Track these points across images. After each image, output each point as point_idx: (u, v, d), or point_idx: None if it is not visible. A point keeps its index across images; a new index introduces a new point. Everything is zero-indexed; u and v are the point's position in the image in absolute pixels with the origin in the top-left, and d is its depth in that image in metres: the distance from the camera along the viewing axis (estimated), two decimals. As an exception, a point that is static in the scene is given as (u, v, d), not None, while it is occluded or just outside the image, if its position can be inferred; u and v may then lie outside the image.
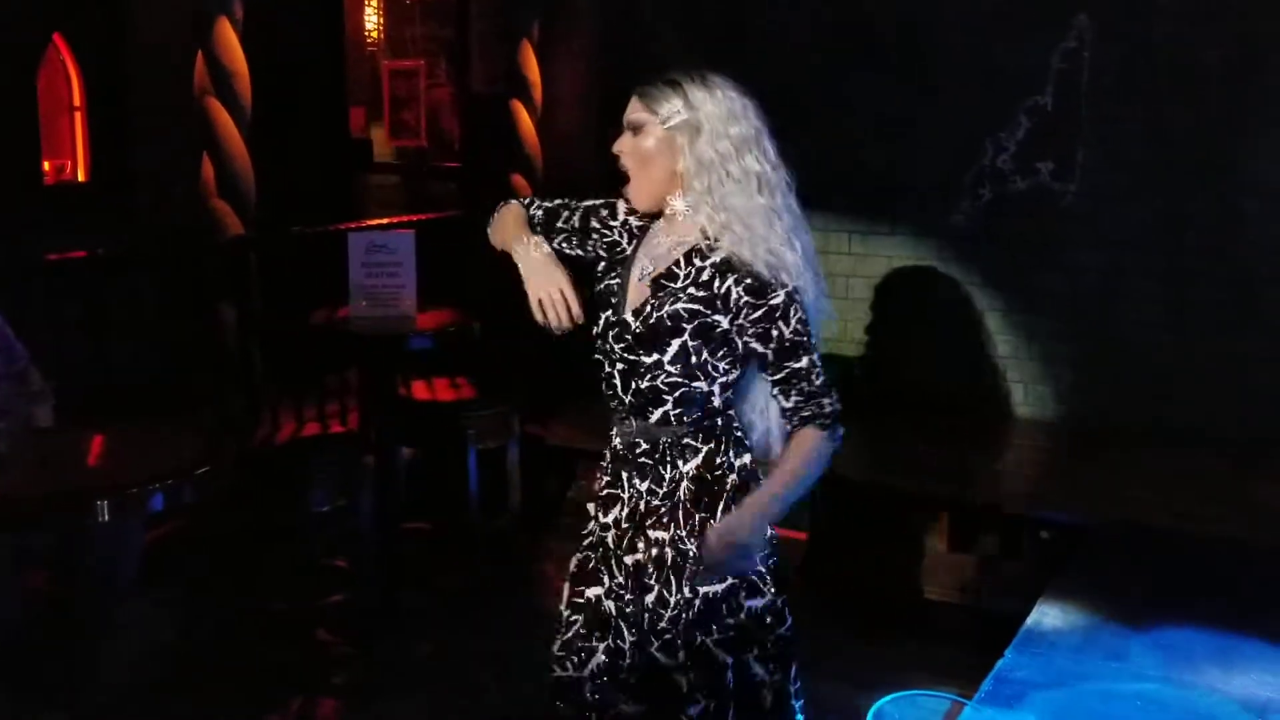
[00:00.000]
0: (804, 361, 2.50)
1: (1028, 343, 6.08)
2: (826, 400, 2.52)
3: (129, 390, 4.91)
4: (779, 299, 2.45)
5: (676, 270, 2.53)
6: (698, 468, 2.55)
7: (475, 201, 7.23)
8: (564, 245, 2.72)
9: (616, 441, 2.64)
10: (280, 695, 4.20)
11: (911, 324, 6.32)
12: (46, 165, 6.58)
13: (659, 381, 2.52)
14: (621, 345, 2.55)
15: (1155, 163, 5.71)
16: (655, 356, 2.51)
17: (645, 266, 2.59)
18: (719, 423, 2.57)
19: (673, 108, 2.51)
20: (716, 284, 2.47)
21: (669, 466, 2.56)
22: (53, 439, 3.63)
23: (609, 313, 2.60)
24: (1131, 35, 5.71)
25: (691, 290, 2.48)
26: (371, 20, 9.64)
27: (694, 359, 2.50)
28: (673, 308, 2.48)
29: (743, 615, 2.53)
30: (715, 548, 2.46)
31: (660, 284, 2.53)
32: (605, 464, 2.69)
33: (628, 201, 2.66)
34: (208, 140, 5.52)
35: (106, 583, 3.65)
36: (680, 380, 2.52)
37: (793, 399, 2.52)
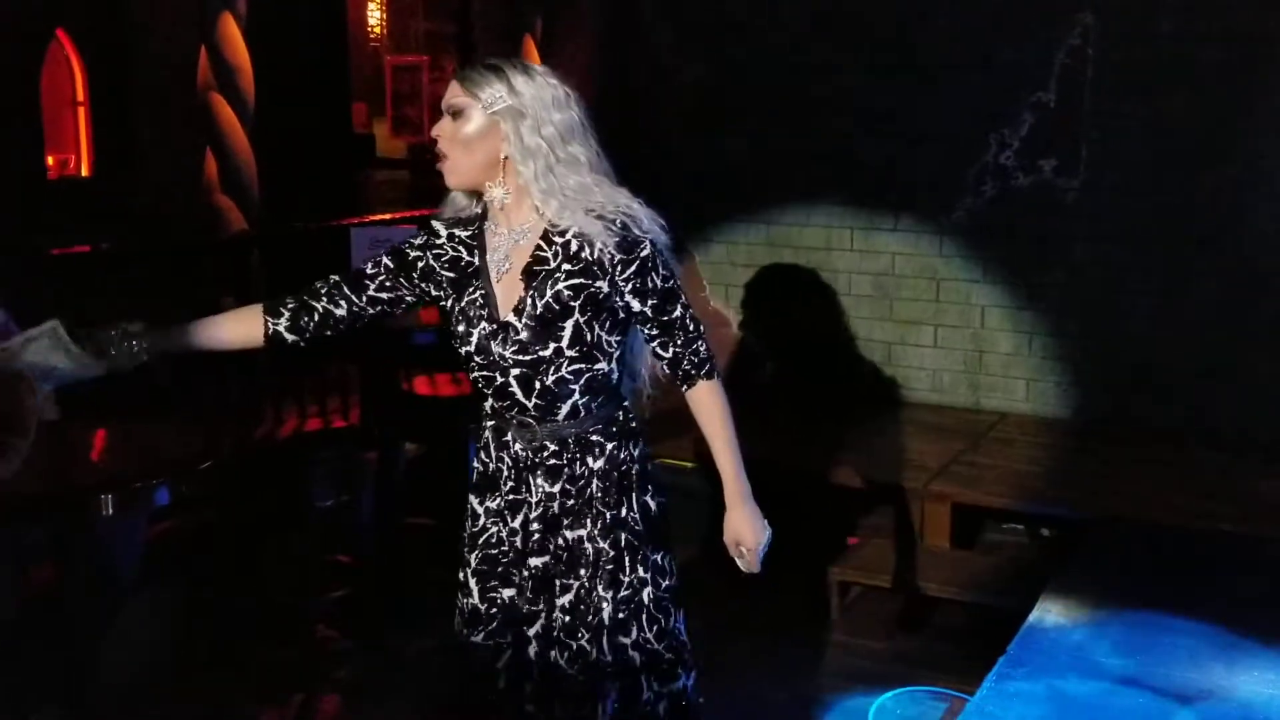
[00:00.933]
0: (678, 309, 2.52)
1: (1030, 339, 6.07)
2: (702, 345, 2.56)
3: (132, 385, 4.91)
4: (646, 249, 2.46)
5: (542, 253, 2.49)
6: (605, 464, 2.57)
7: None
8: (383, 292, 2.67)
9: (517, 448, 2.59)
10: (282, 691, 4.20)
11: (913, 320, 6.31)
12: (50, 160, 6.59)
13: (564, 371, 2.49)
14: (513, 348, 2.49)
15: (1158, 158, 5.70)
16: (553, 345, 2.47)
17: (501, 265, 2.54)
18: (618, 415, 2.59)
19: (495, 93, 2.46)
20: (586, 251, 2.45)
21: (578, 464, 2.56)
22: (56, 433, 3.63)
23: (483, 325, 2.53)
24: (1135, 31, 5.70)
25: (566, 266, 2.46)
26: (374, 16, 9.65)
27: (589, 336, 2.48)
28: (554, 289, 2.46)
29: (661, 623, 2.62)
30: (749, 558, 2.60)
31: (532, 272, 2.49)
32: (502, 472, 2.64)
33: (443, 222, 2.62)
34: (211, 136, 5.53)
35: (108, 577, 3.66)
36: (582, 365, 2.50)
37: (672, 349, 2.55)
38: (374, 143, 9.55)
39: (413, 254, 2.64)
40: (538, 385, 2.50)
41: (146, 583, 4.27)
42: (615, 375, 2.56)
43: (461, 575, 2.74)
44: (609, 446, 2.58)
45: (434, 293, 2.64)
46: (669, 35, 6.68)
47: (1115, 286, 5.85)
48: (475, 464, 2.71)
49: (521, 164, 2.45)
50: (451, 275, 2.60)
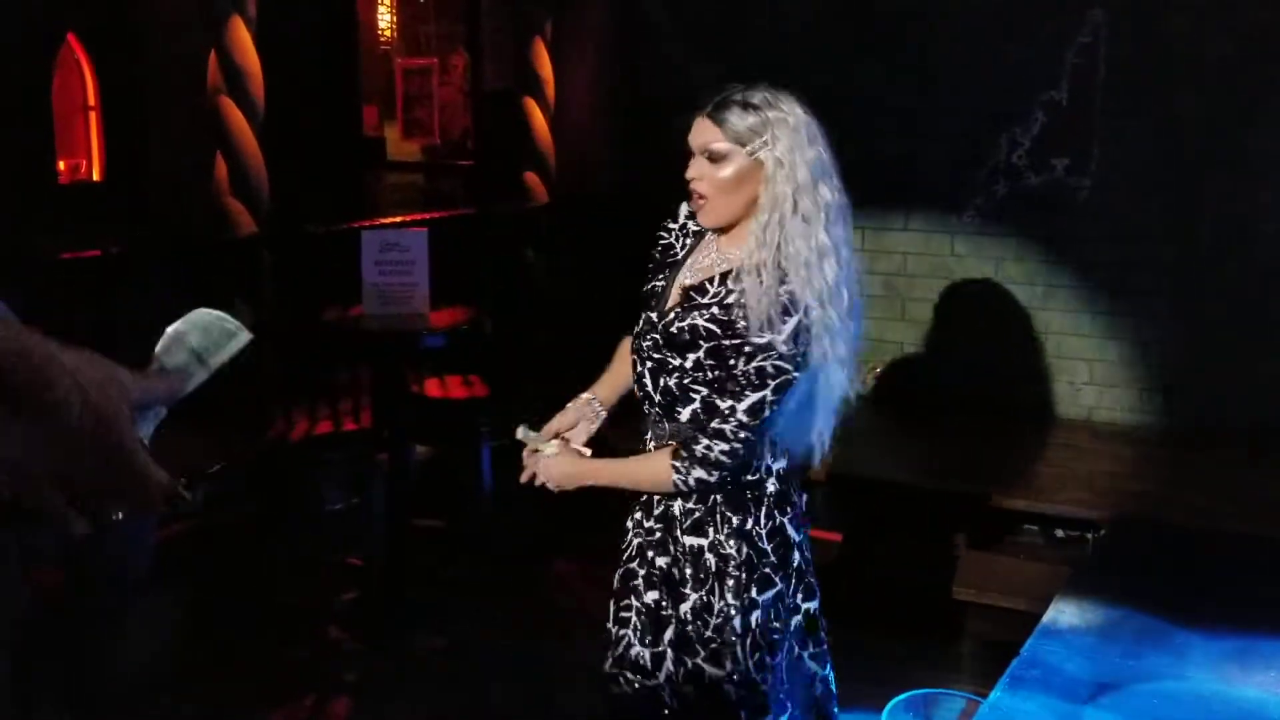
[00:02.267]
0: (727, 403, 2.41)
1: (1042, 338, 6.06)
2: (712, 453, 2.43)
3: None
4: (762, 339, 2.37)
5: (709, 286, 2.50)
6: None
7: (488, 199, 7.23)
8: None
9: (651, 444, 2.59)
10: (292, 692, 4.20)
11: (925, 320, 6.30)
12: (61, 164, 6.61)
13: (685, 380, 2.48)
14: (649, 344, 2.53)
15: (1169, 157, 5.68)
16: (678, 361, 2.48)
17: (686, 275, 2.58)
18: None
19: (756, 136, 2.46)
20: (737, 315, 2.41)
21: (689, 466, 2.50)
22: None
23: (649, 314, 2.58)
24: (1145, 29, 5.69)
25: (714, 310, 2.45)
26: (385, 18, 9.66)
27: (707, 375, 2.45)
28: (692, 322, 2.46)
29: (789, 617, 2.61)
30: (547, 466, 2.61)
31: (689, 295, 2.51)
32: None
33: (691, 209, 2.60)
34: (221, 139, 5.53)
35: (118, 580, 3.66)
36: (705, 390, 2.47)
37: (699, 419, 2.47)
38: (384, 145, 9.55)
39: (662, 236, 2.73)
40: (662, 382, 2.52)
41: (157, 584, 4.28)
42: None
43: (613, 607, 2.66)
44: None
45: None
46: (678, 35, 6.67)
47: (1127, 285, 5.83)
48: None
49: (766, 210, 2.44)
50: (660, 258, 2.69)
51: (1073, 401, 6.02)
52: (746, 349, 2.39)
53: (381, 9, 9.58)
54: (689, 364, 2.46)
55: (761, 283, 2.39)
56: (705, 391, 2.46)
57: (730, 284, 2.45)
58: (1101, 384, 5.96)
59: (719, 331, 2.43)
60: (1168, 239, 5.73)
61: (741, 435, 2.42)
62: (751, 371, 2.39)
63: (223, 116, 5.50)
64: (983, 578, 4.69)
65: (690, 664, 2.53)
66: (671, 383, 2.51)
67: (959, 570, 4.73)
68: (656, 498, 2.58)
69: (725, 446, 2.43)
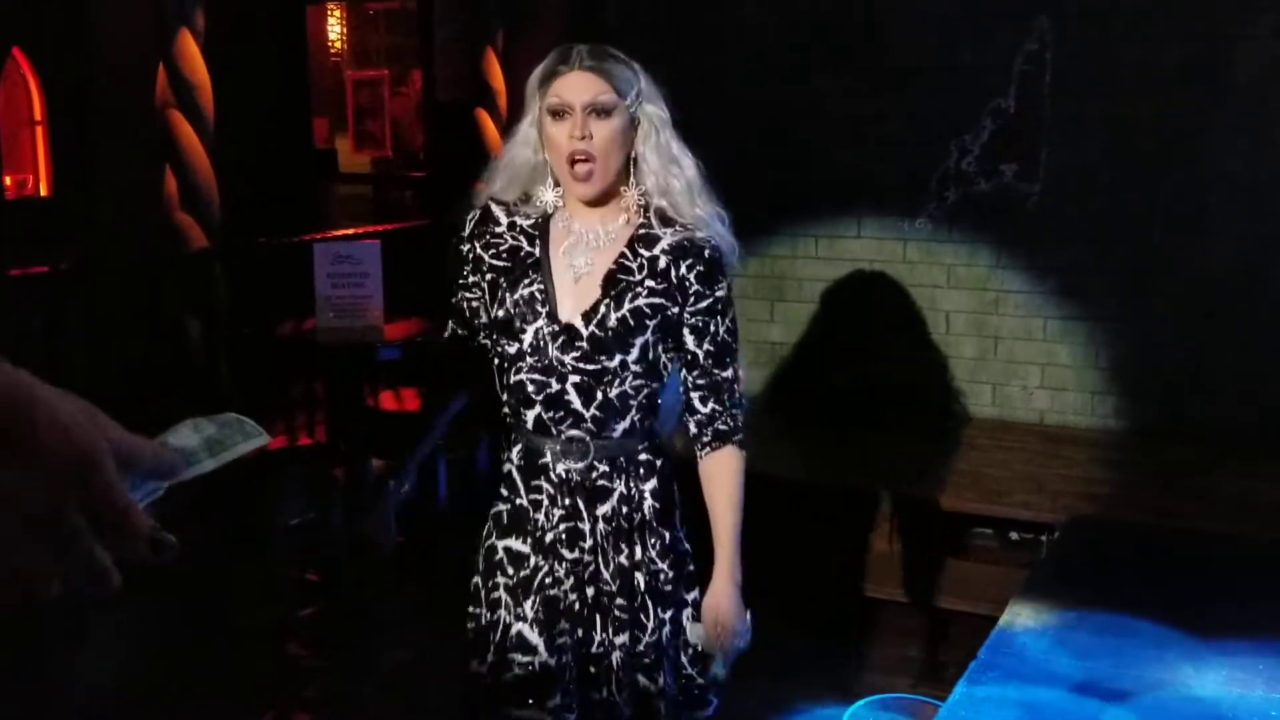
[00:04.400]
0: (730, 370, 2.40)
1: (994, 343, 6.10)
2: (739, 412, 2.41)
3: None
4: (723, 291, 2.37)
5: (627, 262, 2.35)
6: (657, 484, 2.42)
7: (440, 211, 7.21)
8: (477, 303, 2.46)
9: (561, 469, 2.37)
10: (252, 709, 4.17)
11: (877, 326, 6.33)
12: (8, 179, 6.53)
13: (627, 385, 2.33)
14: (575, 354, 2.32)
15: (1119, 162, 5.74)
16: (619, 358, 2.32)
17: (578, 263, 2.37)
18: (657, 432, 2.46)
19: (632, 85, 2.34)
20: (673, 271, 2.34)
21: (632, 483, 2.39)
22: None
23: (539, 323, 2.33)
24: (1092, 36, 5.75)
25: (650, 282, 2.34)
26: (335, 30, 9.62)
27: (651, 355, 2.34)
28: (633, 304, 2.32)
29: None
30: (715, 637, 2.40)
31: (614, 280, 2.34)
32: (541, 503, 2.40)
33: (502, 207, 2.42)
34: (170, 152, 5.48)
35: (75, 596, 3.62)
36: (644, 382, 2.35)
37: (710, 406, 2.41)
38: (336, 157, 9.51)
39: (478, 248, 2.43)
40: (599, 396, 2.33)
41: (116, 602, 4.23)
42: (662, 396, 2.42)
43: (511, 632, 2.42)
44: (658, 464, 2.43)
45: (472, 280, 2.45)
46: (634, 43, 6.67)
47: (1078, 289, 5.88)
48: (499, 504, 2.48)
49: (650, 163, 2.35)
50: (505, 264, 2.39)
51: (1025, 405, 6.07)
52: (716, 305, 2.37)
53: (331, 21, 9.54)
54: (632, 357, 2.31)
55: (685, 226, 2.36)
56: (648, 387, 2.36)
57: (644, 250, 2.36)
58: (1053, 387, 6.01)
59: (664, 303, 2.34)
60: (1118, 242, 5.78)
61: (742, 389, 2.45)
62: (730, 325, 2.40)
63: (172, 130, 5.46)
64: (936, 582, 4.72)
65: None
66: (613, 394, 2.33)
67: (915, 575, 4.75)
68: (589, 525, 2.40)
69: (742, 406, 2.43)
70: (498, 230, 2.42)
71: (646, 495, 2.40)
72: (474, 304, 2.45)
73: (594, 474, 2.37)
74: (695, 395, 2.41)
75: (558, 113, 2.31)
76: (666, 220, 2.37)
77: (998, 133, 5.95)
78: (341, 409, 5.43)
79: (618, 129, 2.31)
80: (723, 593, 2.39)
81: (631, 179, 2.37)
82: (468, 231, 2.45)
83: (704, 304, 2.36)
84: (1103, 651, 2.91)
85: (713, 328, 2.37)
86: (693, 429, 2.44)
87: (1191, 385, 5.69)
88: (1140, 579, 3.68)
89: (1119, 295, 5.81)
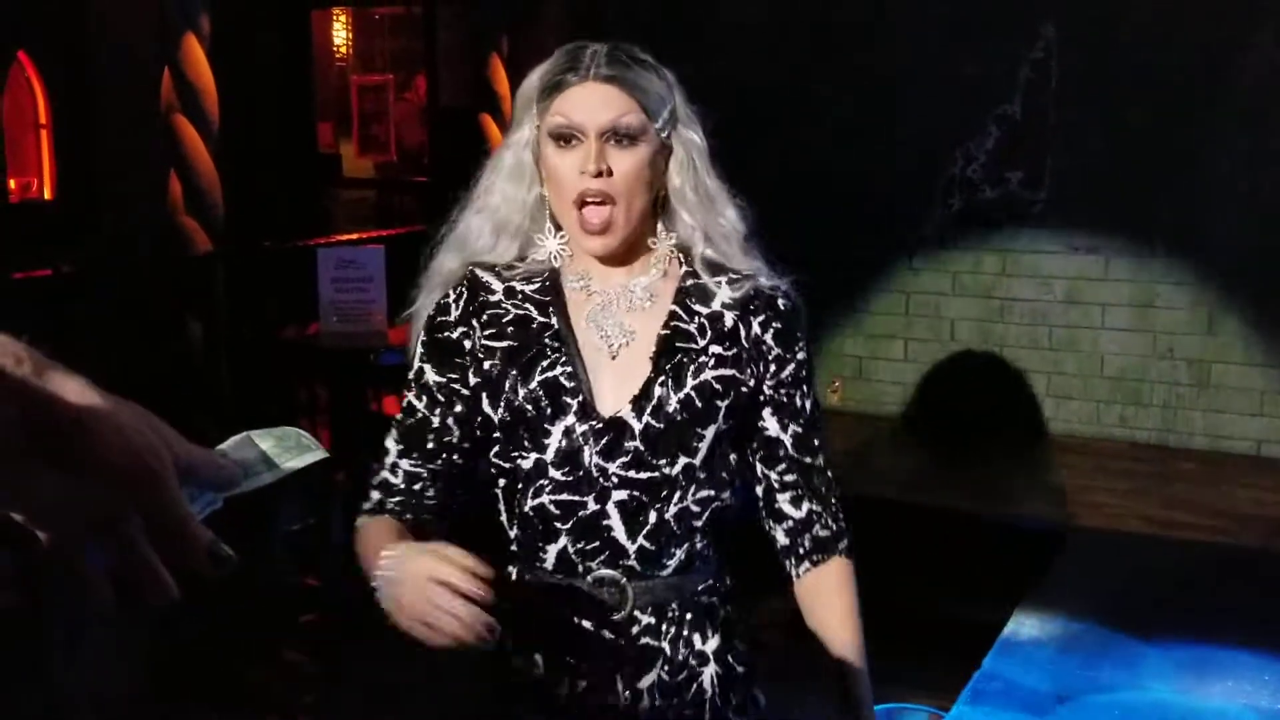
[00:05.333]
0: (822, 457, 1.82)
1: (999, 351, 6.09)
2: (840, 506, 1.85)
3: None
4: (804, 353, 1.79)
5: (682, 324, 1.73)
6: (720, 643, 1.77)
7: (444, 216, 7.20)
8: (464, 417, 1.75)
9: (586, 624, 1.70)
10: (251, 715, 4.16)
11: (882, 334, 6.32)
12: (12, 183, 6.53)
13: (690, 500, 1.69)
14: (623, 460, 1.67)
15: (1123, 169, 5.73)
16: (684, 461, 1.67)
17: (611, 332, 1.74)
18: (725, 568, 1.82)
19: (664, 106, 1.75)
20: (742, 330, 1.75)
21: (682, 645, 1.73)
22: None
23: (570, 421, 1.67)
24: (1097, 44, 5.74)
25: (715, 348, 1.72)
26: (340, 35, 9.62)
27: (720, 451, 1.72)
28: (698, 379, 1.70)
29: None
30: None
31: (672, 348, 1.71)
32: (561, 678, 1.72)
33: (494, 272, 1.80)
34: (175, 157, 5.48)
35: (76, 605, 3.61)
36: (711, 493, 1.71)
37: (806, 508, 1.81)
38: (340, 162, 9.50)
39: (455, 334, 1.77)
40: (652, 519, 1.68)
41: (115, 609, 4.23)
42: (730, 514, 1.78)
43: None
44: (722, 613, 1.78)
45: (471, 378, 1.75)
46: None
47: (1083, 297, 5.87)
48: (501, 667, 1.79)
49: (688, 202, 1.77)
50: (510, 344, 1.73)
51: (1030, 414, 6.05)
52: (800, 373, 1.79)
53: (337, 25, 9.54)
54: (701, 454, 1.68)
55: (755, 278, 1.80)
56: (719, 501, 1.73)
57: (699, 305, 1.76)
58: (1058, 396, 6.00)
59: (736, 374, 1.73)
60: (1123, 251, 5.77)
61: (838, 489, 1.86)
62: (816, 399, 1.83)
63: (177, 134, 5.45)
64: (942, 590, 4.70)
65: None
66: (670, 515, 1.68)
67: (920, 583, 4.73)
68: (624, 699, 1.73)
69: (840, 510, 1.85)
70: (493, 300, 1.78)
71: (708, 661, 1.76)
72: (458, 418, 1.74)
73: (634, 630, 1.71)
74: (783, 498, 1.81)
75: (564, 138, 1.71)
76: (716, 269, 1.78)
77: (1003, 140, 5.95)
78: (344, 414, 5.42)
79: (644, 161, 1.71)
80: None
81: (660, 224, 1.79)
82: (455, 315, 1.78)
83: (786, 371, 1.77)
84: (1106, 661, 2.90)
85: (799, 401, 1.78)
86: (783, 539, 1.84)
87: (1196, 395, 5.67)
88: (1144, 589, 3.67)
89: (1125, 303, 5.79)
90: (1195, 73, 5.57)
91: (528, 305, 1.75)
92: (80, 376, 0.70)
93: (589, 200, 1.69)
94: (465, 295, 1.79)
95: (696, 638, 1.73)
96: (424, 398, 1.77)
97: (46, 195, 6.69)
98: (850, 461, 5.60)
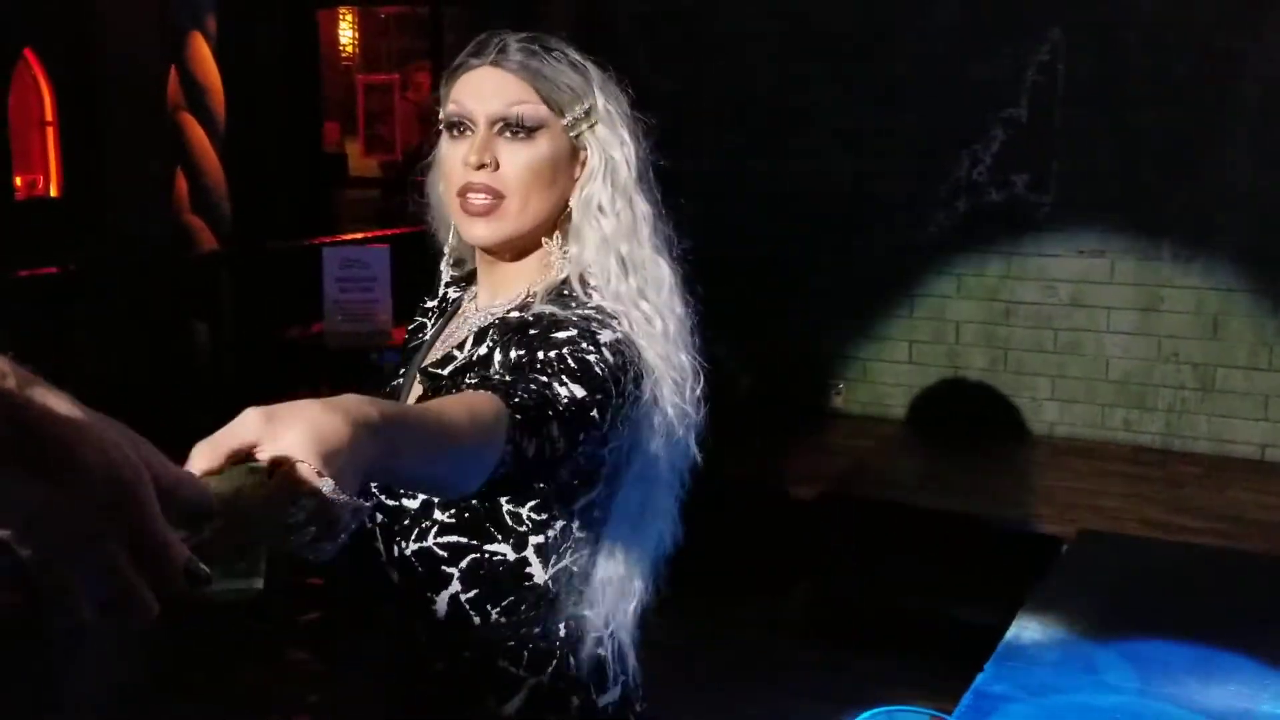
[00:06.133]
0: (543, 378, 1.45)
1: (1004, 355, 6.08)
2: (550, 408, 1.32)
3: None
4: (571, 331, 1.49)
5: (456, 353, 1.60)
6: (522, 705, 1.59)
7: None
8: None
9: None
10: (255, 716, 4.16)
11: (886, 336, 6.32)
12: (18, 180, 6.54)
13: (430, 540, 1.56)
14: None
15: (1130, 173, 5.73)
16: (421, 496, 1.54)
17: (431, 357, 1.68)
18: (553, 642, 1.59)
19: (578, 103, 1.59)
20: (495, 355, 1.53)
21: (477, 701, 1.61)
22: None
23: None
24: (1104, 47, 5.74)
25: (472, 379, 1.47)
26: (346, 34, 9.62)
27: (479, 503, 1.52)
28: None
29: None
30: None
31: (432, 375, 1.62)
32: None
33: (451, 269, 1.74)
34: (181, 155, 5.50)
35: (111, 622, 3.62)
36: (461, 539, 1.55)
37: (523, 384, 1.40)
38: (346, 161, 9.49)
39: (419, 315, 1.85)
40: (408, 548, 1.57)
41: (97, 626, 4.23)
42: (534, 563, 1.55)
43: None
44: (531, 684, 1.58)
45: None
46: (643, 52, 6.68)
47: (1088, 301, 5.87)
48: None
49: (590, 220, 1.58)
50: (404, 349, 1.81)
51: (1034, 417, 6.05)
52: (544, 340, 1.46)
53: (343, 25, 9.54)
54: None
55: (565, 300, 1.55)
56: (478, 551, 1.54)
57: (493, 337, 1.56)
58: (1063, 399, 6.00)
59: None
60: (1128, 254, 5.77)
61: (572, 405, 1.39)
62: (562, 356, 1.41)
63: (183, 132, 5.47)
64: (942, 593, 4.70)
65: None
66: (431, 541, 1.54)
67: (920, 585, 4.73)
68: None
69: (556, 411, 1.35)
70: (426, 306, 1.80)
71: None
72: None
73: (429, 670, 1.69)
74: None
75: (455, 126, 1.59)
76: (562, 299, 1.56)
77: (1009, 143, 5.94)
78: (348, 413, 5.41)
79: (541, 158, 1.55)
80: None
81: (556, 235, 1.61)
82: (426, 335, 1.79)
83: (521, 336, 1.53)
84: (1109, 665, 2.90)
85: (536, 350, 1.47)
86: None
87: (1200, 399, 5.67)
88: (1148, 593, 3.66)
89: (1130, 308, 5.79)
90: (1202, 76, 5.56)
91: (429, 317, 1.75)
92: (64, 393, 0.71)
93: (470, 191, 1.55)
94: (428, 300, 1.80)
95: (490, 699, 1.59)
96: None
97: (52, 193, 6.70)
98: (853, 464, 5.60)
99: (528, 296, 1.59)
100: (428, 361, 1.65)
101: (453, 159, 1.57)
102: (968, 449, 5.83)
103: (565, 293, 1.56)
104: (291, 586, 5.20)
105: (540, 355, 1.41)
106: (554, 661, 1.59)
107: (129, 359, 5.60)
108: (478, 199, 1.54)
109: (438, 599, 1.56)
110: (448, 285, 1.75)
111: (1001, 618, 3.56)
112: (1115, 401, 5.85)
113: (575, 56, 1.63)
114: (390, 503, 1.55)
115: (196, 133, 5.46)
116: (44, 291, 5.10)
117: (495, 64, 1.57)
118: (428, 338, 1.71)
